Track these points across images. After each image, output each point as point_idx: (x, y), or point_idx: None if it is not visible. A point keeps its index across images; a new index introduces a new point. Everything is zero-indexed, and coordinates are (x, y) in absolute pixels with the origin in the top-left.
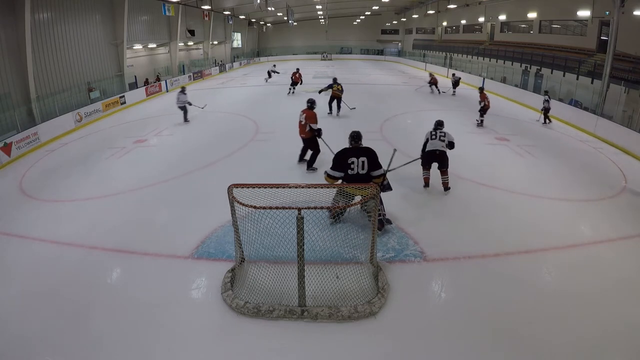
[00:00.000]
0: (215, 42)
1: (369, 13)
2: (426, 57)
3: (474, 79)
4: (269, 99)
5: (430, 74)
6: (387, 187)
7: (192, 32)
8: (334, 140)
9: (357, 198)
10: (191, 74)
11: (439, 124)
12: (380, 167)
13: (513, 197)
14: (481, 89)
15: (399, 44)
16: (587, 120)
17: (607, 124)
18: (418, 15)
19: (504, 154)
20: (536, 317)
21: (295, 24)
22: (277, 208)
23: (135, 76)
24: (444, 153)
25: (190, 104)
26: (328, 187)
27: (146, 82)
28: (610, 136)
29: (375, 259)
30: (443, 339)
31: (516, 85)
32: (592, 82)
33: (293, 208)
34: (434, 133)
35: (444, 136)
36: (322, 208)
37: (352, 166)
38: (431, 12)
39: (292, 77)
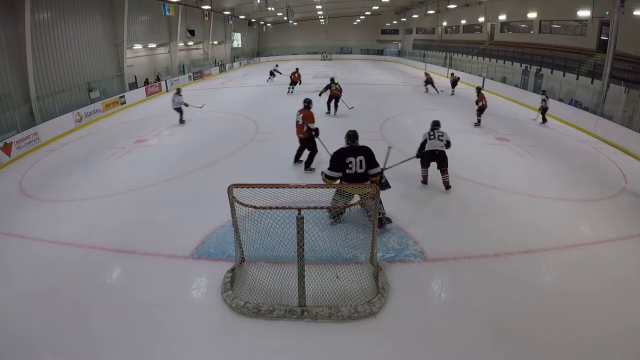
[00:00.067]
0: (215, 42)
1: (369, 13)
2: (426, 57)
3: (474, 79)
4: (269, 99)
5: (426, 73)
6: (385, 185)
7: (192, 32)
8: (332, 140)
9: (356, 197)
10: (191, 74)
11: (436, 124)
12: (377, 165)
13: (513, 197)
14: (479, 89)
15: (399, 44)
16: (587, 120)
17: (607, 124)
18: (418, 15)
19: (504, 154)
20: (536, 317)
21: (295, 24)
22: (277, 208)
23: (135, 76)
24: (443, 152)
25: (186, 105)
26: (328, 187)
27: (146, 82)
28: (610, 136)
29: (375, 259)
30: (443, 339)
31: (516, 85)
32: (592, 82)
33: (293, 208)
34: (432, 133)
35: (442, 136)
36: (322, 208)
37: (349, 165)
38: (431, 12)
39: (291, 77)
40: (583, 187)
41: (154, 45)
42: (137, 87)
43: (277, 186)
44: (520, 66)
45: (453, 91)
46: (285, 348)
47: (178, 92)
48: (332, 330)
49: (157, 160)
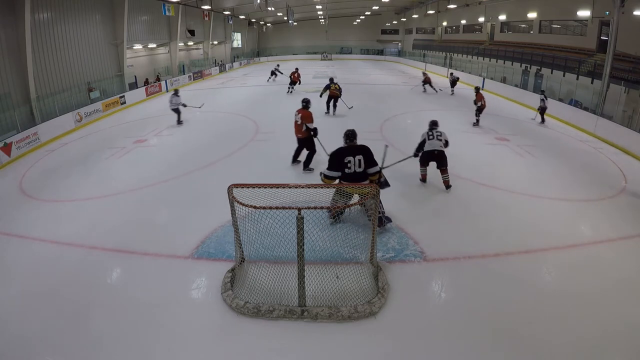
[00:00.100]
0: (215, 42)
1: (369, 13)
2: (426, 57)
3: (474, 79)
4: (269, 99)
5: (424, 73)
6: (384, 184)
7: (192, 32)
8: (332, 140)
9: (356, 197)
10: (191, 74)
11: (434, 124)
12: (376, 164)
13: (513, 197)
14: (477, 89)
15: (399, 44)
16: (587, 120)
17: (607, 124)
18: (418, 15)
19: (504, 154)
20: (536, 317)
21: (295, 24)
22: (277, 208)
23: (135, 76)
24: (443, 152)
25: (184, 106)
26: (328, 187)
27: (146, 82)
28: (610, 136)
29: (375, 259)
30: (443, 339)
31: (516, 85)
32: (592, 82)
33: (293, 208)
34: (430, 133)
35: (441, 135)
36: (322, 208)
37: (348, 165)
38: (431, 12)
39: (290, 77)
40: (583, 187)
41: (154, 45)
42: (137, 87)
43: (277, 186)
44: (520, 66)
45: (452, 91)
46: (285, 348)
47: (176, 92)
48: (332, 330)
49: (157, 160)
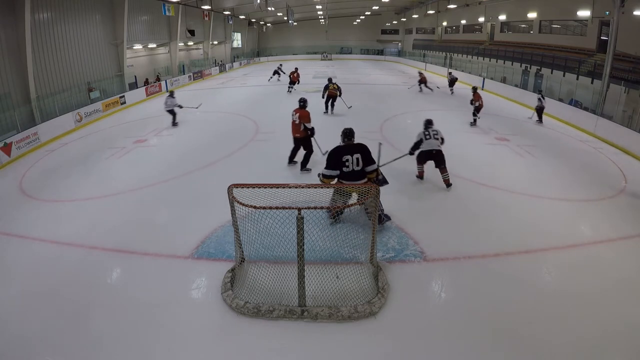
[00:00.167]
0: (215, 42)
1: (369, 13)
2: (426, 57)
3: (474, 79)
4: (269, 99)
5: (420, 73)
6: (383, 182)
7: (192, 32)
8: (330, 139)
9: (354, 195)
10: (191, 74)
11: (429, 122)
12: (374, 162)
13: (513, 197)
14: (475, 89)
15: (399, 44)
16: (587, 120)
17: (607, 124)
18: (418, 15)
19: (504, 154)
20: (536, 317)
21: (295, 24)
22: (277, 208)
23: (135, 76)
24: (440, 151)
25: (180, 107)
26: (328, 187)
27: (146, 82)
28: (610, 136)
29: (375, 259)
30: (443, 339)
31: (516, 85)
32: (592, 82)
33: (293, 208)
34: (427, 133)
35: (437, 134)
36: (322, 208)
37: (346, 163)
38: (431, 12)
39: (290, 76)
40: (583, 187)
41: (154, 45)
42: (137, 87)
43: (277, 186)
44: (520, 66)
45: (452, 90)
46: (285, 348)
47: (171, 94)
48: (332, 330)
49: (157, 160)
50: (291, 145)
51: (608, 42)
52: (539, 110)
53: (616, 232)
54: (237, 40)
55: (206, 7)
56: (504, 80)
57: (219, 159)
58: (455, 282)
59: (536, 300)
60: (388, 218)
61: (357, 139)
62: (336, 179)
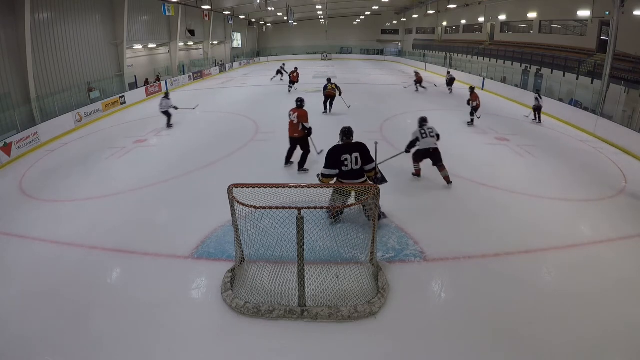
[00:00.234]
0: (215, 42)
1: (369, 13)
2: (426, 57)
3: (474, 79)
4: (269, 99)
5: (416, 73)
6: (381, 180)
7: (192, 32)
8: (329, 139)
9: (353, 194)
10: (191, 74)
11: (424, 120)
12: (372, 161)
13: (513, 197)
14: (472, 88)
15: (399, 44)
16: (587, 120)
17: (607, 124)
18: (418, 15)
19: (504, 154)
20: (536, 317)
21: (295, 24)
22: (277, 208)
23: (135, 76)
24: (437, 149)
25: (175, 108)
26: (328, 187)
27: (146, 82)
28: (610, 136)
29: (375, 259)
30: (443, 339)
31: (516, 85)
32: (592, 82)
33: (293, 208)
34: (423, 131)
35: (432, 132)
36: (322, 208)
37: (345, 163)
38: (431, 12)
39: (289, 76)
40: (583, 187)
41: (154, 45)
42: (137, 87)
43: (277, 186)
44: (520, 66)
45: (450, 90)
46: (285, 348)
47: (166, 95)
48: (332, 330)
49: (157, 160)
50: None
51: (608, 42)
52: (537, 110)
53: (616, 232)
54: (237, 40)
55: (206, 7)
56: (504, 80)
57: (219, 159)
58: (455, 282)
59: (536, 300)
60: (384, 216)
61: (357, 139)
62: (335, 179)
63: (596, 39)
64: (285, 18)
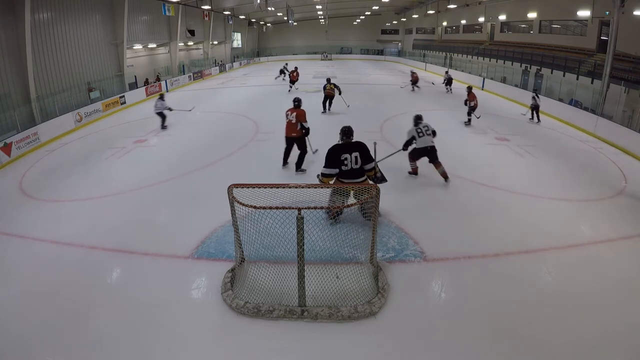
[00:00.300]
0: (215, 42)
1: (369, 13)
2: (426, 57)
3: (474, 79)
4: (269, 99)
5: (412, 73)
6: (381, 179)
7: (192, 32)
8: (328, 138)
9: (352, 193)
10: (191, 74)
11: (419, 118)
12: (372, 160)
13: (513, 197)
14: (469, 88)
15: (399, 44)
16: (587, 120)
17: (607, 124)
18: (418, 15)
19: (504, 154)
20: (536, 317)
21: (295, 24)
22: (277, 208)
23: (135, 76)
24: (434, 147)
25: (170, 110)
26: (328, 187)
27: (146, 82)
28: (610, 136)
29: (375, 259)
30: (443, 339)
31: (516, 85)
32: (592, 82)
33: (293, 208)
34: (419, 129)
35: (428, 129)
36: (322, 208)
37: (345, 162)
38: (431, 12)
39: (289, 76)
40: (583, 187)
41: (154, 45)
42: (137, 87)
43: (277, 186)
44: (520, 66)
45: (449, 89)
46: (285, 348)
47: (161, 97)
48: (332, 330)
49: (157, 160)
50: None
51: (608, 42)
52: (535, 109)
53: (616, 232)
54: (237, 40)
55: (206, 7)
56: (504, 80)
57: (219, 159)
58: (455, 282)
59: (536, 300)
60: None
61: (357, 139)
62: (335, 178)
63: (596, 39)
64: (285, 18)
